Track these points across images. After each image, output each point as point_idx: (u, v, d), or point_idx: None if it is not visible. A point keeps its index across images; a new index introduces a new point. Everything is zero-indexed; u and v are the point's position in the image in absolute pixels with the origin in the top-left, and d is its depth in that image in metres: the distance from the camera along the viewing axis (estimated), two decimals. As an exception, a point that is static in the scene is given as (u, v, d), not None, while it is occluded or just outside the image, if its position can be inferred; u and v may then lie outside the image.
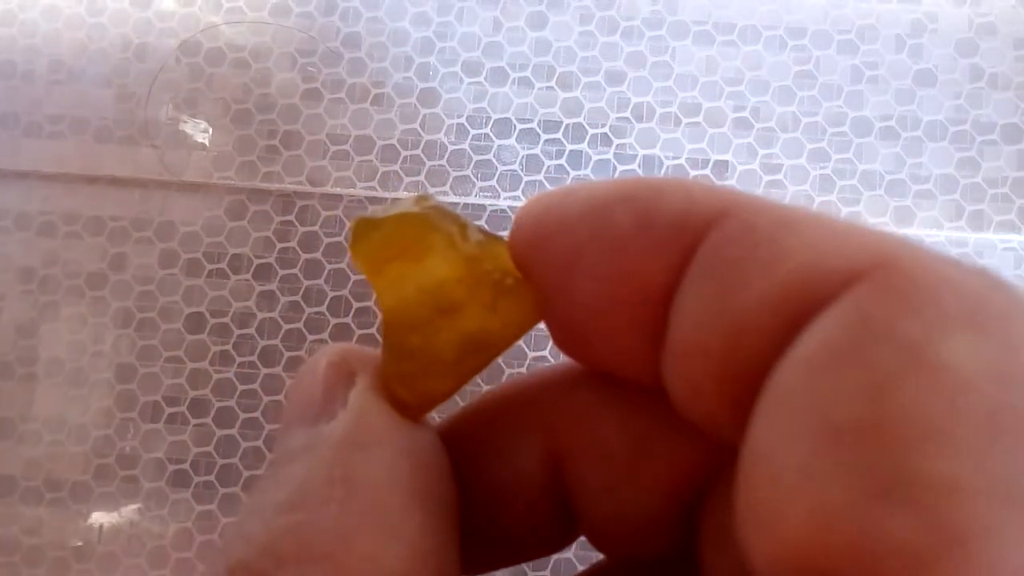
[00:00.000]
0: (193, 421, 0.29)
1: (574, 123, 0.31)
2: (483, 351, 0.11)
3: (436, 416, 0.12)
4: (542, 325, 0.11)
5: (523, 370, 0.29)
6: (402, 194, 0.30)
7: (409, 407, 0.11)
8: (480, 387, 0.28)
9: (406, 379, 0.11)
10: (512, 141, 0.31)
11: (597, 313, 0.10)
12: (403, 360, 0.11)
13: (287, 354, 0.30)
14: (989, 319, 0.08)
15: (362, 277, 0.30)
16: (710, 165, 0.31)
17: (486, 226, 0.28)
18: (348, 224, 0.30)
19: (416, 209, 0.11)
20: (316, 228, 0.30)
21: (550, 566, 0.28)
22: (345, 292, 0.30)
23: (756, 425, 0.08)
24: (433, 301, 0.11)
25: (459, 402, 0.13)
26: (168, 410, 0.29)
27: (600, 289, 0.10)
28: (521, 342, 0.28)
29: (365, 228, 0.11)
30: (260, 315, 0.30)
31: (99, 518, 0.29)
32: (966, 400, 0.07)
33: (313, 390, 0.11)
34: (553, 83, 0.31)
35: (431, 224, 0.11)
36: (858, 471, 0.07)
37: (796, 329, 0.08)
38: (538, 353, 0.29)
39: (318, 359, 0.11)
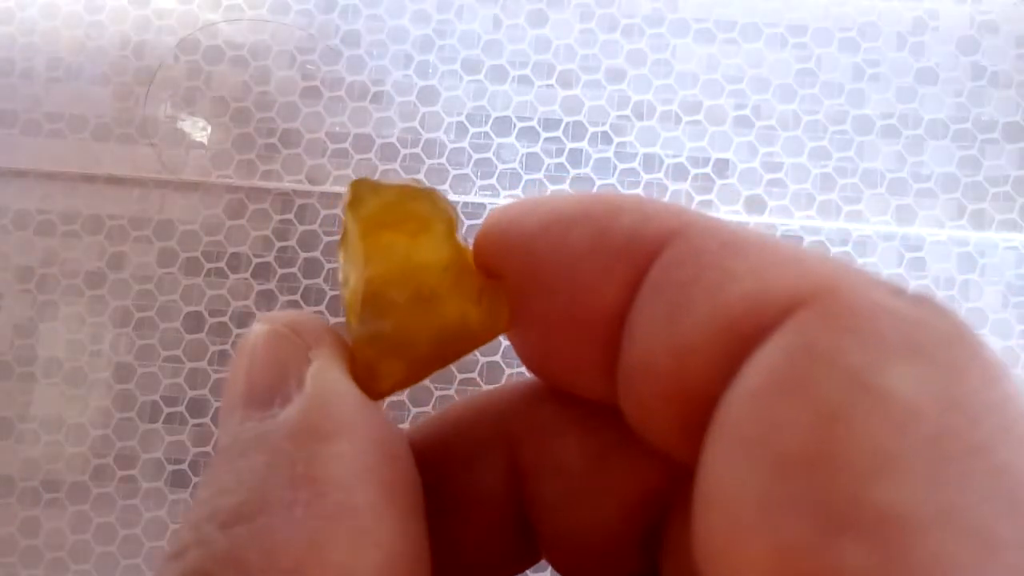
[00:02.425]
0: (192, 421, 0.29)
1: (574, 121, 0.31)
2: (455, 344, 0.11)
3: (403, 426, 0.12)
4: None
5: (522, 369, 0.29)
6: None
7: (371, 389, 0.10)
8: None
9: (373, 357, 0.10)
10: (512, 139, 0.31)
11: (553, 330, 0.10)
12: (374, 338, 0.10)
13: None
14: (930, 346, 0.08)
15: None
16: (711, 163, 0.31)
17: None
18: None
19: (421, 199, 0.11)
20: (315, 227, 0.30)
21: None
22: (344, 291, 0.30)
23: (707, 458, 0.08)
24: (417, 281, 0.11)
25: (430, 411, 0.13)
26: (167, 410, 0.29)
27: (556, 307, 0.10)
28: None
29: (366, 191, 0.11)
30: (259, 314, 0.30)
31: (97, 518, 0.29)
32: (913, 428, 0.07)
33: (262, 367, 0.10)
34: (553, 81, 0.31)
35: (435, 203, 0.11)
36: (813, 505, 0.07)
37: (741, 355, 0.08)
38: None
39: (262, 330, 0.10)
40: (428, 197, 0.11)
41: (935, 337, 0.08)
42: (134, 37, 0.32)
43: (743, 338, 0.08)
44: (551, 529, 0.11)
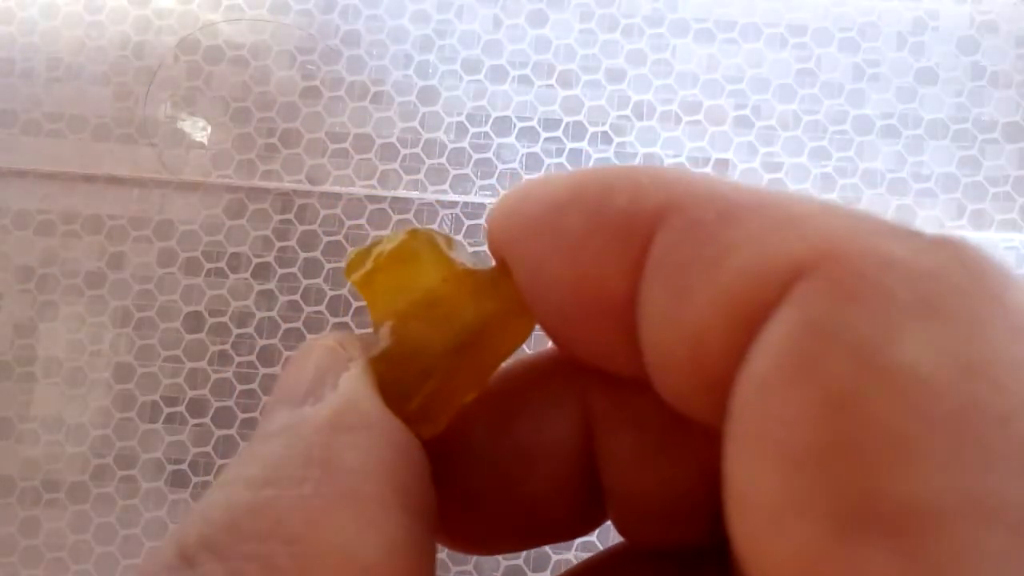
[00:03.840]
0: (192, 421, 0.29)
1: (574, 121, 0.31)
2: (486, 343, 0.11)
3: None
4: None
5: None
6: (402, 192, 0.30)
7: (405, 412, 0.10)
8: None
9: (394, 375, 0.11)
10: (512, 139, 0.31)
11: (568, 316, 0.10)
12: (389, 356, 0.11)
13: (286, 354, 0.29)
14: (945, 300, 0.07)
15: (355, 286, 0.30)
16: (711, 163, 0.31)
17: (485, 224, 0.28)
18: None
19: (405, 236, 0.11)
20: (315, 227, 0.30)
21: (551, 566, 0.28)
22: (344, 291, 0.30)
23: (727, 454, 0.08)
24: (422, 300, 0.11)
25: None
26: (167, 410, 0.29)
27: (564, 294, 0.10)
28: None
29: (360, 256, 0.11)
30: (259, 314, 0.30)
31: (97, 519, 0.29)
32: (930, 405, 0.06)
33: (304, 371, 0.10)
34: (553, 81, 0.31)
35: (416, 235, 0.11)
36: (828, 504, 0.06)
37: (750, 334, 0.08)
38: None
39: (314, 341, 0.11)
40: (409, 234, 0.11)
41: (951, 289, 0.07)
42: (134, 37, 0.32)
43: (748, 318, 0.08)
44: (621, 487, 0.11)
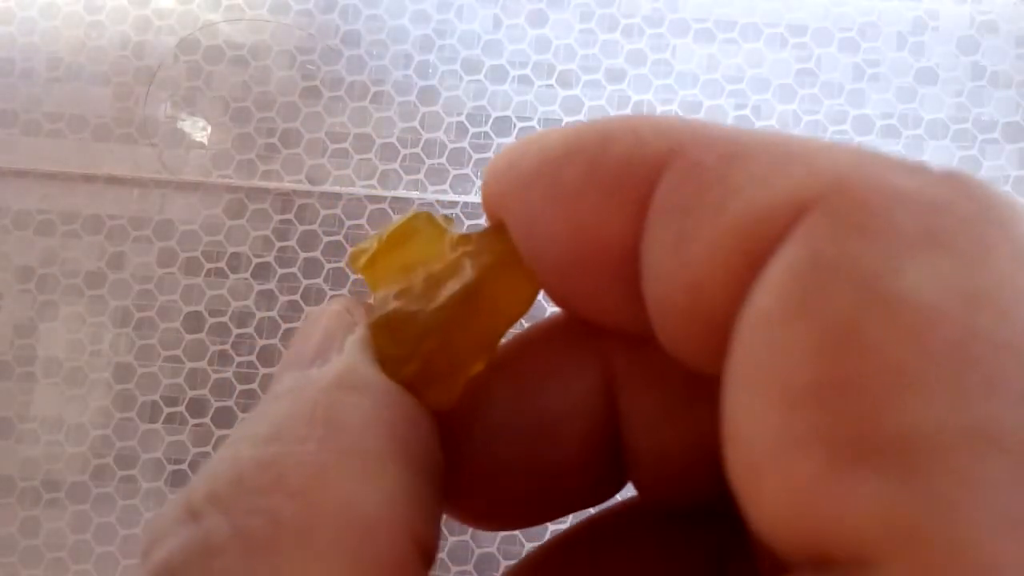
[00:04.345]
0: (192, 421, 0.29)
1: (574, 121, 0.31)
2: (475, 309, 0.11)
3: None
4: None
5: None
6: (402, 192, 0.30)
7: (401, 375, 0.10)
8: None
9: (394, 335, 0.11)
10: (512, 139, 0.31)
11: (569, 274, 0.10)
12: (392, 321, 0.11)
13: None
14: (951, 231, 0.07)
15: (361, 277, 0.30)
16: (711, 163, 0.31)
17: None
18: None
19: (405, 218, 0.12)
20: (315, 227, 0.30)
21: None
22: (344, 291, 0.30)
23: (726, 393, 0.08)
24: (422, 270, 0.11)
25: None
26: (167, 410, 0.29)
27: (564, 250, 0.10)
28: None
29: (361, 248, 0.12)
30: (259, 314, 0.30)
31: (97, 519, 0.29)
32: (932, 335, 0.06)
33: (312, 337, 0.10)
34: (553, 81, 0.31)
35: (418, 218, 0.11)
36: (825, 437, 0.06)
37: (753, 275, 0.07)
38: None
39: (322, 307, 0.11)
40: (410, 216, 0.11)
41: (957, 220, 0.07)
42: (134, 37, 0.32)
43: (752, 258, 0.08)
44: (645, 445, 0.11)
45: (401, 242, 0.11)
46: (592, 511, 0.12)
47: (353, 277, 0.30)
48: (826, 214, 0.07)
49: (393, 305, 0.11)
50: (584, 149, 0.09)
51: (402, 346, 0.10)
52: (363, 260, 0.11)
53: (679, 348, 0.09)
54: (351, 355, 0.10)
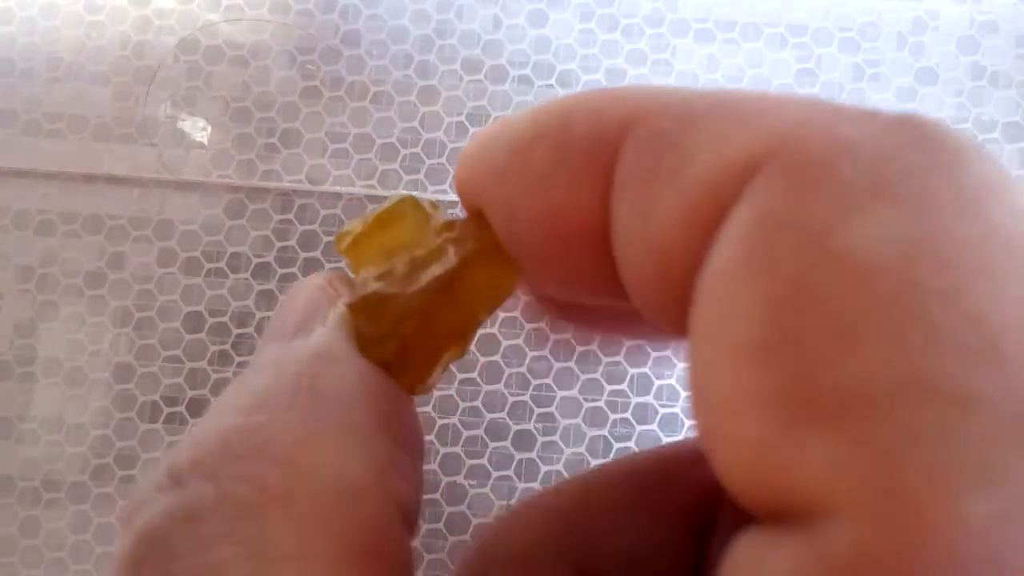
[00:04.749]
0: (192, 421, 0.29)
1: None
2: (455, 293, 0.11)
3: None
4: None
5: (522, 369, 0.29)
6: (402, 192, 0.30)
7: (379, 355, 0.10)
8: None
9: (373, 316, 0.11)
10: (512, 139, 0.31)
11: (547, 256, 0.10)
12: (372, 302, 0.11)
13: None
14: (895, 181, 0.07)
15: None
16: (711, 163, 0.31)
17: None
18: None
19: (390, 202, 0.12)
20: (315, 227, 0.30)
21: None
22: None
23: (691, 347, 0.08)
24: (405, 252, 0.11)
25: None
26: (167, 410, 0.29)
27: (540, 232, 0.10)
28: (521, 342, 0.28)
29: (343, 234, 0.12)
30: (259, 314, 0.30)
31: (97, 519, 0.29)
32: (873, 289, 0.06)
33: (294, 310, 0.11)
34: (553, 81, 0.31)
35: (404, 203, 0.12)
36: (775, 397, 0.06)
37: (712, 238, 0.08)
38: (538, 354, 0.29)
39: (304, 280, 0.11)
40: (393, 202, 0.11)
41: (903, 171, 0.07)
42: (134, 37, 0.32)
43: (710, 222, 0.08)
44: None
45: (386, 225, 0.11)
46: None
47: (353, 277, 0.30)
48: (774, 172, 0.07)
49: (374, 287, 0.11)
50: (548, 132, 0.09)
51: (380, 327, 0.11)
52: (347, 242, 0.11)
53: (655, 315, 0.09)
54: (335, 325, 0.10)
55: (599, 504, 0.12)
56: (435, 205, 0.12)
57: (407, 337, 0.10)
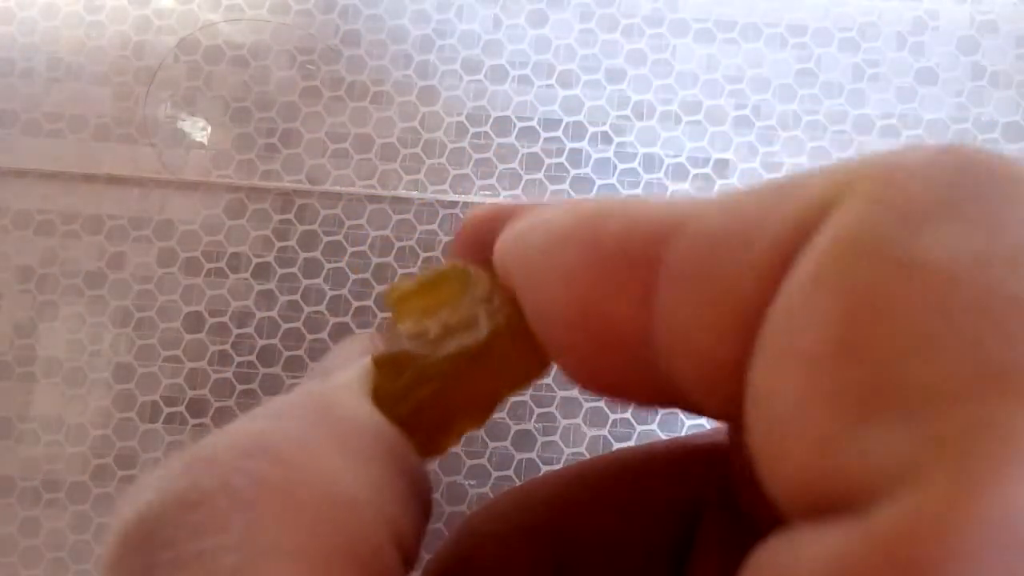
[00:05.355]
0: (192, 421, 0.29)
1: (574, 121, 0.31)
2: (479, 366, 0.11)
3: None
4: None
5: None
6: (402, 192, 0.30)
7: (398, 414, 0.11)
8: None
9: (397, 371, 0.11)
10: (512, 139, 0.31)
11: (581, 352, 0.10)
12: (399, 359, 0.11)
13: (286, 353, 0.29)
14: (960, 202, 0.07)
15: (361, 277, 0.30)
16: (711, 163, 0.31)
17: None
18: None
19: (444, 267, 0.12)
20: (315, 227, 0.30)
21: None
22: (344, 291, 0.30)
23: (752, 366, 0.08)
24: (442, 316, 0.11)
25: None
26: (167, 410, 0.29)
27: (574, 330, 0.10)
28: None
29: (393, 289, 0.12)
30: (259, 314, 0.30)
31: (97, 519, 0.29)
32: (951, 295, 0.06)
33: (336, 354, 0.11)
34: (553, 81, 0.31)
35: (455, 269, 0.12)
36: (845, 395, 0.07)
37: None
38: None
39: (357, 334, 0.12)
40: (449, 266, 0.12)
41: (967, 190, 0.07)
42: (134, 37, 0.32)
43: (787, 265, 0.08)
44: None
45: (433, 286, 0.12)
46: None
47: (353, 277, 0.30)
48: (847, 204, 0.07)
49: (404, 345, 0.11)
50: (582, 231, 0.10)
51: (398, 385, 0.11)
52: (394, 296, 0.12)
53: (708, 398, 0.09)
54: (353, 376, 0.11)
55: (582, 495, 0.12)
56: (480, 272, 0.11)
57: (423, 400, 0.11)
